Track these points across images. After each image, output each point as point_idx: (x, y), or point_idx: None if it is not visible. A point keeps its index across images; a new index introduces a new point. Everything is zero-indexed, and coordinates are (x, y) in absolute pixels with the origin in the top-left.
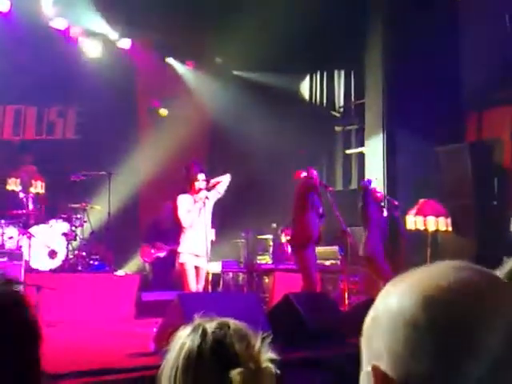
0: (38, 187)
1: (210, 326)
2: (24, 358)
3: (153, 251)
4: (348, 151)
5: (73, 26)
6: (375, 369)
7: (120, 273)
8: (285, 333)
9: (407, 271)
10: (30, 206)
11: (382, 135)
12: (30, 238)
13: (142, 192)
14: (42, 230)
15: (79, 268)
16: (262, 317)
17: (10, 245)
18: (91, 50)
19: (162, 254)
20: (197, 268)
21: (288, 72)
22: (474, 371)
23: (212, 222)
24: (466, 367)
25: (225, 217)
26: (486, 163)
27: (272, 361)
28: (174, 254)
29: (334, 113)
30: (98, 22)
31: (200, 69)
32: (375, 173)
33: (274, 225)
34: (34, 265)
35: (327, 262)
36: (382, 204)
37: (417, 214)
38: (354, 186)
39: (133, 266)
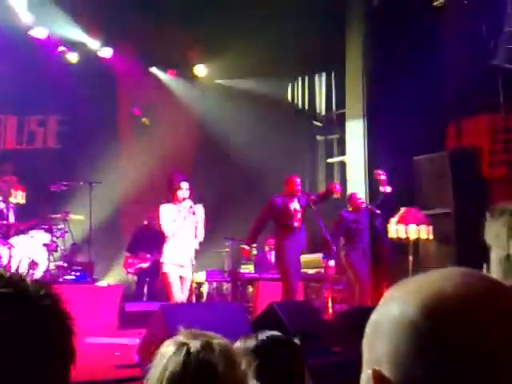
0: (19, 197)
1: (195, 346)
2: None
3: (136, 261)
4: (330, 160)
5: (53, 35)
6: (375, 372)
7: (102, 283)
8: None
9: (389, 279)
10: (11, 217)
11: (362, 144)
12: (10, 248)
13: (124, 202)
14: (22, 240)
15: (60, 279)
16: (246, 327)
17: None
18: (71, 59)
19: (145, 265)
20: (181, 278)
21: (271, 79)
22: (475, 378)
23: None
24: (467, 374)
25: (209, 226)
26: (465, 171)
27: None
28: (157, 265)
29: (315, 122)
30: (78, 31)
31: (182, 77)
32: (357, 182)
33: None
34: None
35: (311, 271)
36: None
37: (398, 222)
38: (336, 194)
39: (115, 276)
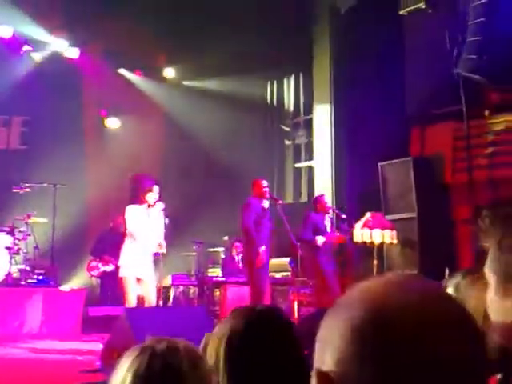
0: None
1: (160, 348)
2: None
3: (100, 265)
4: (297, 165)
5: (18, 34)
6: (319, 373)
7: (65, 287)
8: None
9: (355, 282)
10: None
11: (330, 149)
12: None
13: (89, 204)
14: None
15: (22, 283)
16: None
17: None
18: (37, 58)
19: (109, 268)
20: (140, 281)
21: (242, 80)
22: (414, 381)
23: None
24: (407, 376)
25: (175, 229)
26: (428, 178)
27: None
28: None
29: (283, 126)
30: (43, 31)
31: (150, 79)
32: (324, 187)
33: (226, 237)
34: None
35: (278, 275)
36: (330, 217)
37: (363, 226)
38: (304, 199)
39: (79, 280)
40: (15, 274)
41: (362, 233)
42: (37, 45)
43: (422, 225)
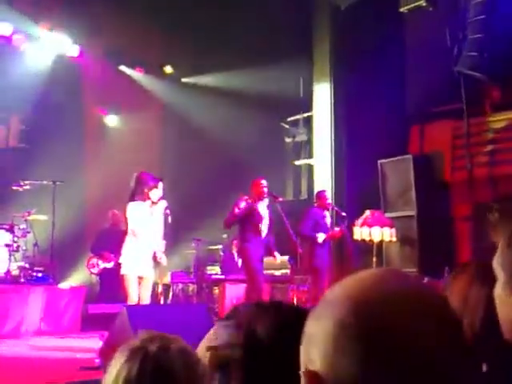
0: None
1: (152, 349)
2: None
3: (100, 262)
4: (297, 162)
5: (18, 31)
6: (308, 372)
7: (65, 285)
8: None
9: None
10: None
11: (329, 147)
12: None
13: (89, 202)
14: None
15: (22, 280)
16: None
17: None
18: (37, 56)
19: (109, 265)
20: (141, 278)
21: (240, 76)
22: (397, 374)
23: (164, 233)
24: (389, 370)
25: (175, 227)
26: (427, 175)
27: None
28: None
29: (283, 124)
30: (43, 29)
31: (150, 76)
32: (323, 185)
33: (225, 235)
34: None
35: (277, 272)
36: (330, 214)
37: (363, 224)
38: (304, 196)
39: (79, 277)
40: (14, 272)
41: (361, 230)
42: (36, 42)
43: (422, 222)
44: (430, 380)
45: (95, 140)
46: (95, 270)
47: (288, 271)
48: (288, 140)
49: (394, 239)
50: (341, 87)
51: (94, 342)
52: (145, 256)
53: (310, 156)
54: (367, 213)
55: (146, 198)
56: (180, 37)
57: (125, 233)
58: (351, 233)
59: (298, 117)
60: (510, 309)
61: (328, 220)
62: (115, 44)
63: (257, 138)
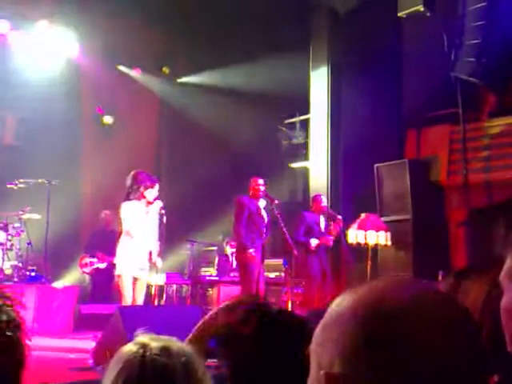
0: None
1: (151, 352)
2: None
3: (95, 260)
4: (293, 165)
5: (15, 29)
6: (327, 374)
7: (58, 284)
8: None
9: (348, 283)
10: None
11: (325, 150)
12: None
13: (84, 201)
14: None
15: (15, 279)
16: None
17: None
18: (34, 54)
19: (102, 265)
20: (137, 280)
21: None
22: (414, 380)
23: (158, 233)
24: (406, 376)
25: (170, 227)
26: (423, 180)
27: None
28: (114, 265)
29: (280, 126)
30: (40, 27)
31: (148, 75)
32: (319, 187)
33: (220, 236)
34: None
35: (271, 275)
36: (325, 217)
37: (358, 228)
38: (299, 198)
39: (72, 277)
40: (8, 271)
41: (356, 234)
42: (34, 40)
43: (417, 227)
44: (446, 379)
45: (91, 139)
46: (87, 270)
47: (282, 274)
48: (284, 142)
49: (389, 243)
50: (338, 91)
51: (86, 343)
52: (140, 256)
53: (307, 159)
54: (362, 216)
55: (141, 197)
56: (177, 36)
57: (117, 233)
58: (346, 236)
59: (294, 119)
60: None
61: (322, 224)
62: (113, 43)
63: (253, 140)
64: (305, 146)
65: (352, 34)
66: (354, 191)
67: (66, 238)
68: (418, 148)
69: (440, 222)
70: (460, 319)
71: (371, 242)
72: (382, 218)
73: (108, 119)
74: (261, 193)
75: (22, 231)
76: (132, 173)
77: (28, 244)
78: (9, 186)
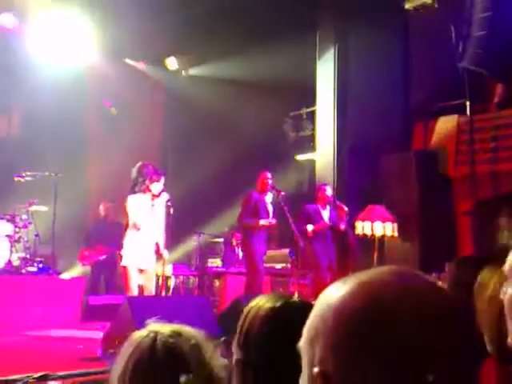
0: None
1: (162, 334)
2: None
3: (92, 254)
4: (299, 157)
5: (22, 23)
6: (320, 372)
7: (66, 276)
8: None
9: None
10: None
11: (332, 142)
12: None
13: (90, 193)
14: None
15: (23, 271)
16: (213, 320)
17: None
18: (41, 46)
19: (102, 257)
20: (144, 271)
21: (244, 69)
22: (407, 372)
23: (165, 225)
24: (401, 363)
25: (176, 219)
26: (430, 171)
27: (223, 367)
28: (115, 257)
29: (286, 118)
30: (47, 20)
31: (153, 68)
32: (325, 179)
33: (226, 228)
34: None
35: (278, 266)
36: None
37: (364, 219)
38: (305, 190)
39: (80, 268)
40: (15, 262)
41: (363, 225)
42: (39, 33)
43: (424, 218)
44: (437, 374)
45: (98, 132)
46: (86, 262)
47: (289, 265)
48: (291, 134)
49: (396, 234)
50: (345, 83)
51: (94, 333)
52: (146, 248)
53: (313, 151)
54: (369, 207)
55: (146, 190)
56: (182, 27)
57: (123, 226)
58: (353, 227)
59: (301, 111)
60: None
61: (325, 214)
62: (120, 37)
63: (260, 132)
64: (311, 138)
65: (359, 26)
66: (360, 183)
67: (73, 229)
68: (425, 139)
69: (447, 212)
70: (454, 313)
71: (378, 233)
72: (389, 209)
73: (116, 111)
74: (269, 186)
75: (29, 223)
76: (138, 165)
77: (35, 236)
78: (16, 178)
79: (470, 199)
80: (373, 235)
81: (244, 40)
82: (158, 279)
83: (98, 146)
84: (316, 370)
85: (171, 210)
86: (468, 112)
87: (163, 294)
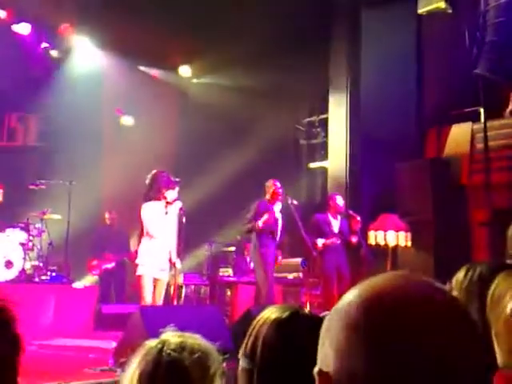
0: None
1: (168, 346)
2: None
3: (100, 263)
4: (311, 165)
5: (37, 31)
6: (320, 372)
7: (78, 285)
8: None
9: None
10: None
11: (344, 150)
12: None
13: (104, 202)
14: None
15: (36, 279)
16: (225, 330)
17: None
18: (55, 56)
19: (110, 265)
20: (157, 281)
21: (255, 77)
22: (403, 373)
23: (178, 233)
24: (398, 369)
25: (188, 228)
26: (444, 179)
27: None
28: (123, 265)
29: (298, 126)
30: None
31: (167, 77)
32: (338, 187)
33: (238, 237)
34: None
35: (290, 276)
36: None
37: (377, 228)
38: (318, 199)
39: (93, 277)
40: (29, 271)
41: (375, 235)
42: (55, 42)
43: (438, 227)
44: (440, 379)
45: (112, 140)
46: (97, 272)
47: (301, 274)
48: (303, 142)
49: (409, 244)
50: (357, 90)
51: (107, 343)
52: (160, 257)
53: (325, 159)
54: (382, 216)
55: (161, 197)
56: (196, 35)
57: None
58: (366, 237)
59: (313, 118)
60: None
61: (336, 225)
62: (133, 45)
63: (272, 139)
64: (324, 145)
65: (372, 33)
66: (373, 191)
67: (86, 238)
68: (439, 147)
69: (462, 222)
70: (459, 316)
71: (391, 242)
72: (402, 219)
73: (128, 120)
74: (279, 196)
75: (43, 231)
76: (152, 172)
77: (49, 244)
78: (31, 187)
79: (485, 208)
80: (386, 245)
81: (257, 48)
82: (170, 288)
83: (112, 154)
84: (316, 369)
85: (184, 219)
86: (482, 119)
87: (174, 303)
